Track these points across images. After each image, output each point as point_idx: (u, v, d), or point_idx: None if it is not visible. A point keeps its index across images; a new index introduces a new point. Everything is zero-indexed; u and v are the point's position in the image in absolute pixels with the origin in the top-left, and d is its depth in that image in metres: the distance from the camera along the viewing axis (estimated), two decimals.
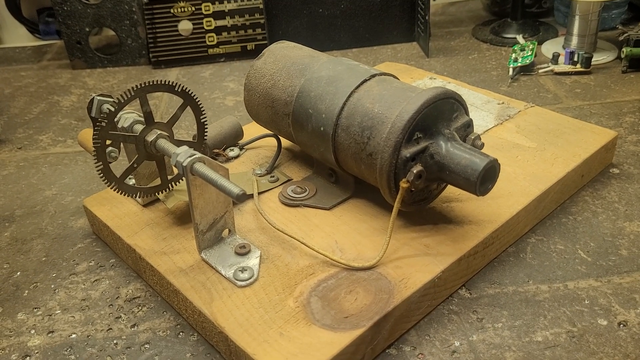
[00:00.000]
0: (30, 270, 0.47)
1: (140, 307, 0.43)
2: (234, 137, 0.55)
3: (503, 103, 0.60)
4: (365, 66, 0.47)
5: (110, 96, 0.44)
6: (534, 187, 0.48)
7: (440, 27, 0.92)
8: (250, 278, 0.40)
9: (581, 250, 0.46)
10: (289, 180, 0.51)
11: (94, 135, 0.40)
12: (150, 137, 0.42)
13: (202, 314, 0.39)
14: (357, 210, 0.47)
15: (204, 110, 0.45)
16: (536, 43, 0.77)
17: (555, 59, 0.74)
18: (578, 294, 0.42)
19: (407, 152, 0.40)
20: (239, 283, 0.40)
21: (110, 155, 0.44)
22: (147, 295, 0.44)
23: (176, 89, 0.42)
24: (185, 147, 0.40)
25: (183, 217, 0.47)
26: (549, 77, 0.73)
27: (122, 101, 0.40)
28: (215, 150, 0.54)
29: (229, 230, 0.44)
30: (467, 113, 0.44)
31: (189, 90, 0.43)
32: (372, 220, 0.46)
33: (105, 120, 0.40)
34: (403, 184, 0.40)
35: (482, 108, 0.60)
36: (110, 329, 0.42)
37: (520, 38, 0.82)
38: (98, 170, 0.41)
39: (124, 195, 0.44)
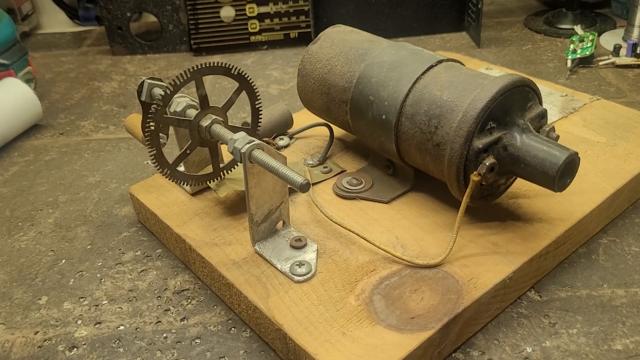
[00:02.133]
0: (75, 259, 0.46)
1: (189, 300, 0.41)
2: (284, 126, 0.53)
3: (566, 95, 0.57)
4: (430, 52, 0.44)
5: (160, 80, 0.42)
6: (606, 184, 0.45)
7: (489, 17, 0.88)
8: (308, 273, 0.38)
9: None
10: (342, 172, 0.48)
11: (147, 119, 0.38)
12: (205, 122, 0.40)
13: (258, 309, 0.37)
14: (418, 204, 0.44)
15: (259, 96, 0.43)
16: (596, 34, 0.73)
17: (616, 51, 0.70)
18: None
19: (479, 142, 0.37)
20: (296, 278, 0.38)
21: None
22: (196, 287, 0.42)
23: (232, 72, 0.40)
24: (243, 133, 0.38)
25: (234, 207, 0.45)
26: (610, 69, 0.69)
27: (178, 83, 0.38)
28: (264, 139, 0.52)
29: (284, 222, 0.42)
30: (541, 103, 0.41)
31: (246, 74, 0.41)
32: (434, 216, 0.43)
33: (160, 104, 0.38)
34: (474, 177, 0.37)
35: (545, 100, 0.56)
36: (160, 321, 0.40)
37: (578, 29, 0.78)
38: (151, 156, 0.40)
39: (176, 182, 0.42)
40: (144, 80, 0.42)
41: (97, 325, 0.40)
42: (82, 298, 0.42)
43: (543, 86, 0.59)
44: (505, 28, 0.84)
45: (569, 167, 0.37)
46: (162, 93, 0.38)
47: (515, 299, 0.40)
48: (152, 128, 0.38)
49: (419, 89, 0.41)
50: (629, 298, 0.39)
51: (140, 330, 0.39)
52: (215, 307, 0.41)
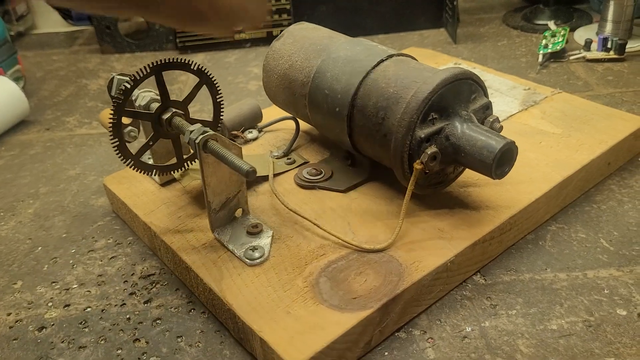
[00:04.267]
0: (50, 246, 0.49)
1: (154, 284, 0.44)
2: (252, 120, 0.55)
3: (529, 89, 0.59)
4: (383, 47, 0.46)
5: (129, 75, 0.45)
6: (556, 174, 0.46)
7: (470, 14, 0.90)
8: (260, 257, 0.40)
9: (604, 239, 0.44)
10: (305, 163, 0.50)
11: (110, 112, 0.41)
12: (166, 115, 0.42)
13: (212, 291, 0.39)
14: (373, 193, 0.46)
15: (219, 89, 0.45)
16: (568, 29, 0.75)
17: (587, 45, 0.72)
18: (598, 283, 0.41)
19: (421, 132, 0.39)
20: (249, 262, 0.40)
21: (129, 135, 0.44)
22: (161, 272, 0.45)
23: (191, 67, 0.42)
24: (198, 125, 0.40)
25: (199, 197, 0.47)
26: (580, 64, 0.71)
27: (138, 78, 0.40)
28: (233, 132, 0.54)
29: (243, 210, 0.44)
30: (486, 95, 0.43)
31: (204, 68, 0.43)
32: (387, 204, 0.45)
33: (121, 97, 0.40)
34: (417, 166, 0.39)
35: (508, 94, 0.58)
36: (124, 304, 0.42)
37: (551, 24, 0.79)
38: (114, 147, 0.42)
39: (140, 172, 0.44)
40: (113, 76, 0.45)
41: (66, 307, 0.42)
42: (54, 282, 0.45)
43: (508, 80, 0.61)
44: (483, 24, 0.85)
45: (506, 156, 0.39)
46: (121, 88, 0.40)
47: (461, 282, 0.42)
48: (114, 121, 0.41)
49: (369, 83, 0.43)
50: (570, 282, 0.41)
51: (105, 312, 0.42)
52: (177, 290, 0.43)
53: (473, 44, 0.78)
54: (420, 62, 0.45)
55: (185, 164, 0.46)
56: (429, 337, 0.38)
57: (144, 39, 0.85)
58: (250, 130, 0.55)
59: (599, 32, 0.75)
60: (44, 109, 0.71)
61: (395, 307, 0.37)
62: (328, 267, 0.40)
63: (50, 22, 0.99)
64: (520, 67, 0.72)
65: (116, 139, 0.42)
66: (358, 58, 0.44)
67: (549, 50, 0.71)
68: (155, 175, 0.46)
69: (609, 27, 0.74)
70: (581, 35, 0.77)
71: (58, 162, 0.60)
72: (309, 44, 0.48)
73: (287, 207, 0.44)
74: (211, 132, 0.39)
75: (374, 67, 0.43)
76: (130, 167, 0.43)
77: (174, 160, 0.46)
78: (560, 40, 0.72)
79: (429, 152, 0.39)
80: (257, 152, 0.53)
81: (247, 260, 0.40)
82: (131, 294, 0.43)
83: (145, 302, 0.42)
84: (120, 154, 0.42)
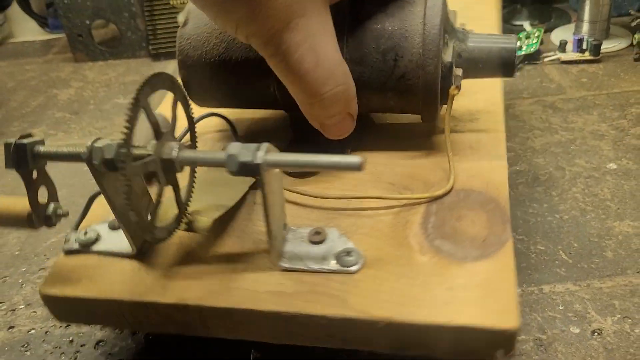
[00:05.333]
0: (2, 264, 0.48)
1: None
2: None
3: None
4: None
5: (29, 135, 0.32)
6: None
7: None
8: (359, 257, 0.33)
9: (563, 252, 0.43)
10: None
11: (123, 182, 0.30)
12: (173, 153, 0.31)
13: (344, 318, 0.31)
14: (374, 147, 0.42)
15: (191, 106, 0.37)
16: (542, 30, 0.73)
17: (562, 46, 0.70)
18: (553, 298, 0.39)
19: (447, 57, 0.38)
20: (354, 268, 0.33)
21: (56, 214, 0.33)
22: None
23: (166, 82, 0.33)
24: (237, 144, 0.30)
25: (205, 242, 0.36)
26: (555, 66, 0.69)
27: (129, 127, 0.30)
28: None
29: (285, 225, 0.36)
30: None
31: (177, 81, 0.35)
32: (400, 151, 0.41)
33: (125, 153, 0.30)
34: (453, 92, 0.38)
35: None
36: (69, 325, 0.41)
37: (527, 25, 0.78)
38: (132, 236, 0.33)
39: (162, 241, 0.34)
40: (14, 143, 0.31)
41: (10, 330, 0.42)
42: (1, 303, 0.44)
43: None
44: None
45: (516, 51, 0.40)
46: (120, 141, 0.29)
47: None
48: (129, 188, 0.30)
49: (355, 30, 0.38)
50: (524, 297, 0.40)
51: (49, 334, 0.41)
52: None
53: None
54: None
55: (186, 206, 0.35)
56: None
57: (117, 46, 0.84)
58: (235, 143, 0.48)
59: (576, 32, 0.73)
60: (11, 121, 0.70)
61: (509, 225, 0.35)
62: (427, 231, 0.35)
63: (28, 31, 0.98)
64: None
65: (133, 222, 0.32)
66: None
67: (523, 53, 0.70)
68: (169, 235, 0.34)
69: (585, 28, 0.72)
70: (558, 35, 0.76)
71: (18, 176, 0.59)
72: None
73: (326, 197, 0.37)
74: (263, 143, 0.30)
75: (350, 11, 0.39)
76: (154, 243, 0.34)
77: (172, 210, 0.34)
78: (534, 41, 0.71)
79: (459, 74, 0.38)
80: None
81: (349, 268, 0.33)
82: None
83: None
84: (138, 232, 0.33)
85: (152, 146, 0.31)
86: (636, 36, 0.67)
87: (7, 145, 0.31)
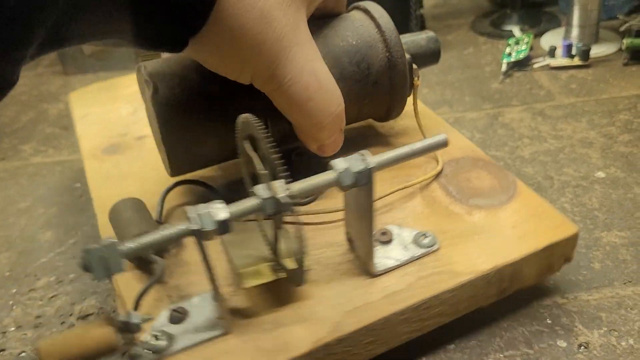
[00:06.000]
0: None
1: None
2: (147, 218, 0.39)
3: None
4: None
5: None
6: None
7: (439, 21, 0.89)
8: (432, 237, 0.37)
9: None
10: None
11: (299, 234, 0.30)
12: (282, 193, 0.30)
13: (463, 283, 0.35)
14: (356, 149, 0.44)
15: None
16: (532, 36, 0.73)
17: (552, 52, 0.70)
18: (540, 312, 0.39)
19: (408, 54, 0.43)
20: (436, 246, 0.37)
21: (137, 326, 0.29)
22: (99, 312, 0.44)
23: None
24: (339, 160, 0.32)
25: (268, 296, 0.35)
26: (545, 72, 0.69)
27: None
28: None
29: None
30: None
31: None
32: (381, 149, 0.40)
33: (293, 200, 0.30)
34: (417, 82, 0.44)
35: None
36: None
37: (516, 30, 0.78)
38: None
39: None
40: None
41: (0, 353, 0.42)
42: None
43: None
44: (451, 31, 0.84)
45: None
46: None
47: None
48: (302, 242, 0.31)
49: (327, 51, 0.40)
50: (512, 311, 0.40)
51: None
52: None
53: None
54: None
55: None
56: None
57: (108, 59, 0.84)
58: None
59: (565, 37, 0.73)
60: (1, 137, 0.70)
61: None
62: (455, 198, 0.41)
63: None
64: (484, 77, 0.70)
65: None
66: None
67: (512, 59, 0.70)
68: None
69: (575, 32, 0.72)
70: (548, 40, 0.76)
71: (10, 194, 0.59)
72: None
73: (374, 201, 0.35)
74: (362, 151, 0.32)
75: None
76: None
77: (262, 251, 0.34)
78: (524, 48, 0.71)
79: (415, 67, 0.44)
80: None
81: (432, 247, 0.37)
82: None
83: None
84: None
85: (263, 190, 0.30)
86: (625, 41, 0.67)
87: None
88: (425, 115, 0.48)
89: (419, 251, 0.37)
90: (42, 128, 0.71)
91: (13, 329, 0.43)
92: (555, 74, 0.69)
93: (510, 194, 0.40)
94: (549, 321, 0.39)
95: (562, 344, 0.37)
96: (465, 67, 0.73)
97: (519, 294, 0.41)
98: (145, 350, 0.31)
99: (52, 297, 0.46)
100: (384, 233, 0.38)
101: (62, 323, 0.43)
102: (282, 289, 0.35)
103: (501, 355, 0.37)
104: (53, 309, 0.45)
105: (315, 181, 0.31)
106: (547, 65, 0.70)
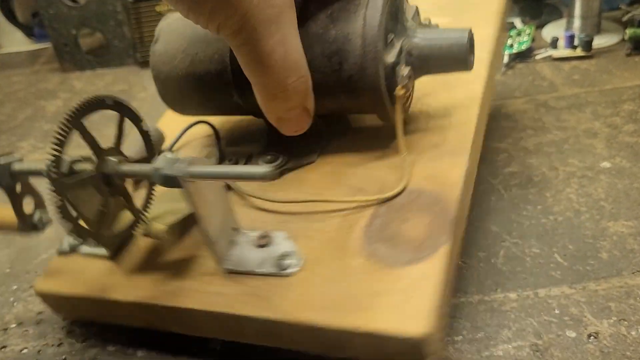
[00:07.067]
0: None
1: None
2: (158, 144, 0.48)
3: None
4: None
5: (8, 153, 0.37)
6: None
7: None
8: (298, 260, 0.35)
9: (557, 254, 0.43)
10: (250, 157, 0.44)
11: (55, 194, 0.33)
12: (111, 169, 0.35)
13: (273, 321, 0.33)
14: (346, 149, 0.42)
15: (141, 116, 0.39)
16: (533, 27, 0.73)
17: (554, 43, 0.70)
18: (549, 302, 0.39)
19: (390, 57, 0.38)
20: (289, 271, 0.34)
21: (42, 222, 0.37)
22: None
23: (107, 103, 0.36)
24: (163, 156, 0.34)
25: (149, 251, 0.40)
26: (547, 63, 0.69)
27: (60, 141, 0.33)
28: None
29: (235, 229, 0.38)
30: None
31: (120, 100, 0.37)
32: (367, 152, 0.41)
33: (55, 172, 0.33)
34: (399, 92, 0.38)
35: None
36: (62, 343, 0.41)
37: (517, 22, 0.77)
38: (70, 233, 0.35)
39: (108, 247, 0.39)
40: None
41: (2, 350, 0.41)
42: None
43: None
44: None
45: (471, 43, 0.39)
46: (50, 161, 0.33)
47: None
48: (61, 202, 0.34)
49: (302, 35, 0.38)
50: (520, 302, 0.39)
51: (42, 353, 0.40)
52: (116, 327, 0.42)
53: None
54: None
55: (143, 213, 0.39)
56: None
57: (105, 55, 0.83)
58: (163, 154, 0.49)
59: (567, 28, 0.73)
60: None
61: (458, 231, 0.35)
62: (368, 234, 0.35)
63: (15, 41, 0.98)
64: None
65: (70, 222, 0.35)
66: None
67: (514, 51, 0.69)
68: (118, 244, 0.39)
69: (577, 23, 0.72)
70: (550, 31, 0.75)
71: None
72: (200, 31, 0.41)
73: (278, 202, 0.39)
74: (186, 157, 0.34)
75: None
76: (105, 248, 0.38)
77: (126, 217, 0.38)
78: (525, 39, 0.70)
79: (404, 74, 0.38)
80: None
81: (284, 272, 0.35)
82: (69, 332, 0.42)
83: (82, 341, 0.41)
84: (79, 236, 0.36)
85: (92, 162, 0.36)
86: (627, 31, 0.67)
87: None
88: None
89: (271, 269, 0.35)
90: (39, 125, 0.71)
91: (14, 325, 0.43)
92: (557, 65, 0.68)
93: (416, 257, 0.33)
94: (557, 311, 0.38)
95: (571, 334, 0.37)
96: None
97: (524, 283, 0.40)
98: (67, 241, 0.41)
99: None
100: (263, 237, 0.37)
101: (64, 319, 0.43)
102: None
103: (509, 346, 0.36)
104: None
105: (133, 169, 0.36)
106: (550, 56, 0.69)
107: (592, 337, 0.36)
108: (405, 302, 0.31)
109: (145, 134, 0.40)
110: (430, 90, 0.45)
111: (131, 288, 0.37)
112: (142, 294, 0.37)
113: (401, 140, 0.38)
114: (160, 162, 0.34)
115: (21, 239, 0.52)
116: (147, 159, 0.39)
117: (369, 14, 0.37)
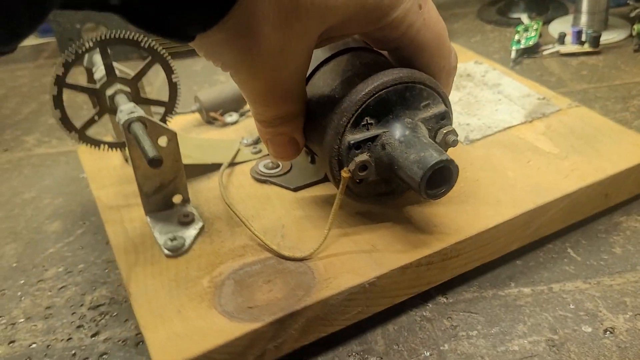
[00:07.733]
0: None
1: (102, 315, 0.42)
2: (234, 103, 0.54)
3: (544, 99, 0.53)
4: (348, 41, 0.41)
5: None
6: (529, 200, 0.41)
7: (444, 9, 0.88)
8: (179, 249, 0.39)
9: (571, 249, 0.42)
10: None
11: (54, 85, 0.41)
12: (110, 92, 0.42)
13: (122, 276, 0.39)
14: (323, 196, 0.44)
15: (175, 69, 0.44)
16: (541, 23, 0.72)
17: (561, 39, 0.69)
18: (563, 297, 0.39)
19: (351, 138, 0.36)
20: (166, 252, 0.39)
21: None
22: (111, 302, 0.43)
23: (142, 45, 0.42)
24: (130, 105, 0.39)
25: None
26: (554, 58, 0.69)
27: (80, 52, 0.41)
28: (211, 114, 0.53)
29: (183, 198, 0.43)
30: (445, 103, 0.38)
31: (156, 47, 0.43)
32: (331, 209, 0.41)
33: (62, 71, 0.41)
34: (344, 174, 0.36)
35: (517, 102, 0.53)
36: (71, 338, 0.40)
37: (524, 18, 0.77)
38: (57, 120, 0.43)
39: (87, 145, 0.46)
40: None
41: (10, 344, 0.41)
42: (0, 317, 0.43)
43: (525, 87, 0.55)
44: (457, 20, 0.83)
45: (442, 175, 0.35)
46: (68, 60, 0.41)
47: (390, 305, 0.38)
48: (55, 93, 0.42)
49: (315, 78, 0.39)
50: (534, 297, 0.39)
51: (51, 348, 0.40)
52: (126, 321, 0.41)
53: None
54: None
55: None
56: None
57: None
58: (230, 113, 0.54)
59: (574, 24, 0.73)
60: (3, 129, 0.69)
61: (293, 323, 0.35)
62: (240, 270, 0.38)
63: None
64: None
65: (58, 110, 0.43)
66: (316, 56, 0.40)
67: (522, 46, 0.69)
68: (99, 148, 0.47)
69: (584, 19, 0.72)
70: (556, 27, 0.75)
71: (14, 185, 0.58)
72: None
73: (224, 200, 0.43)
74: (138, 113, 0.38)
75: (326, 61, 0.39)
76: (76, 141, 0.45)
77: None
78: (533, 35, 0.70)
79: (357, 160, 0.36)
80: (230, 137, 0.51)
81: (164, 250, 0.39)
82: (79, 327, 0.41)
83: (92, 336, 0.40)
84: (64, 127, 0.44)
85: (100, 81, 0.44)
86: (635, 27, 0.66)
87: None
88: None
89: (161, 242, 0.40)
90: (44, 119, 0.70)
91: (22, 320, 0.42)
92: (565, 60, 0.68)
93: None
94: (572, 306, 0.38)
95: (587, 329, 0.36)
96: (474, 55, 0.72)
97: (538, 278, 0.40)
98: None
99: (61, 287, 0.45)
100: (187, 215, 0.42)
101: (73, 314, 0.42)
102: None
103: (525, 341, 0.36)
104: (63, 299, 0.44)
105: (121, 102, 0.41)
106: (557, 52, 0.69)
107: (608, 332, 0.36)
108: (182, 338, 0.33)
109: (172, 85, 0.45)
110: (447, 198, 0.40)
111: (102, 187, 0.47)
112: (102, 195, 0.46)
113: (332, 218, 0.38)
114: (124, 107, 0.39)
115: (27, 232, 0.51)
116: (169, 104, 0.46)
117: (359, 87, 0.36)
